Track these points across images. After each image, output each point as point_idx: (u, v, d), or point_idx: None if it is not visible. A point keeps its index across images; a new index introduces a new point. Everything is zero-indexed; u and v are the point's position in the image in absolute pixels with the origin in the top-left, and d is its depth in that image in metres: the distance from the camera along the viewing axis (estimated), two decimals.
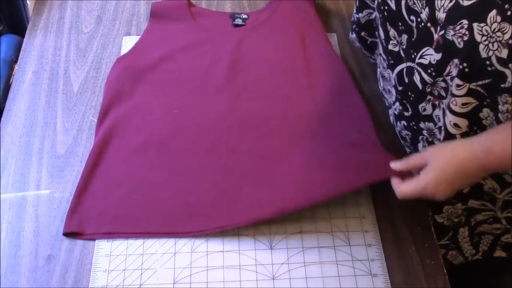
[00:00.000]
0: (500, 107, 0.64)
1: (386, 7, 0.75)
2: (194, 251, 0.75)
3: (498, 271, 0.91)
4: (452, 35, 0.63)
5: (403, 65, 0.76)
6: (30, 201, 0.79)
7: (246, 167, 0.84)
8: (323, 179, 0.81)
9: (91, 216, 0.77)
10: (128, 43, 1.03)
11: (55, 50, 1.02)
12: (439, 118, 0.73)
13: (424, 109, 0.75)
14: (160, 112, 0.91)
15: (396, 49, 0.77)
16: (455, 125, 0.68)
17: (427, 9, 0.67)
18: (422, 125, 0.77)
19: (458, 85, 0.65)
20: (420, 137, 0.80)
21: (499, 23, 0.58)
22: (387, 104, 0.90)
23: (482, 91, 0.64)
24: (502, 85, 0.62)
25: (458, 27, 0.62)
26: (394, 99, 0.83)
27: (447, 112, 0.68)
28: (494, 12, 0.59)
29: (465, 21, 0.61)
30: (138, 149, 0.85)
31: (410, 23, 0.71)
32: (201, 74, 0.98)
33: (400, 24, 0.74)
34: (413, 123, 0.79)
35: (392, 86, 0.82)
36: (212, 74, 0.98)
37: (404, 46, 0.75)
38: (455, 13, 0.63)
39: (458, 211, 0.80)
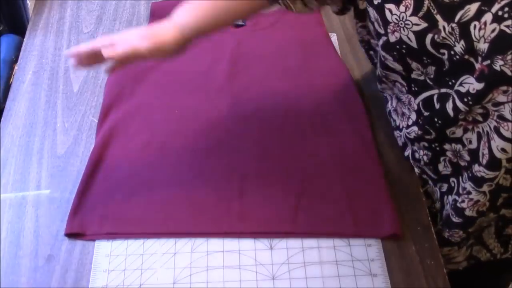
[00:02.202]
0: None
1: (403, 46, 0.71)
2: (194, 251, 0.75)
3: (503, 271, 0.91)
4: (502, 65, 0.60)
5: (433, 91, 0.73)
6: (30, 201, 0.79)
7: (247, 167, 0.84)
8: (323, 179, 0.81)
9: (93, 216, 0.77)
10: None
11: (55, 50, 1.02)
12: (470, 141, 0.71)
13: (453, 133, 0.73)
14: (161, 112, 0.91)
15: (421, 78, 0.74)
16: (503, 149, 0.66)
17: (462, 42, 0.64)
18: (447, 146, 0.75)
19: (498, 121, 0.63)
20: (442, 158, 0.77)
21: None
22: (393, 126, 0.87)
23: None
24: None
25: (509, 57, 0.59)
26: (411, 123, 0.80)
27: (495, 136, 0.66)
28: None
29: None
30: (139, 149, 0.85)
31: (440, 55, 0.68)
32: (202, 74, 0.98)
33: (424, 58, 0.71)
34: (436, 144, 0.77)
35: (413, 110, 0.79)
36: (213, 74, 0.98)
37: (432, 76, 0.72)
38: (502, 42, 0.60)
39: (489, 220, 0.78)
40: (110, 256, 0.74)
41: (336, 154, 0.86)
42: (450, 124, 0.71)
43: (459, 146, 0.73)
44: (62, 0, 1.12)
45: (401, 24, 0.69)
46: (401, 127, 0.82)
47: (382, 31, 0.72)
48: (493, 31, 0.60)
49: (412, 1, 0.66)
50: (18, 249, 0.74)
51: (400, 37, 0.70)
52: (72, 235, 0.76)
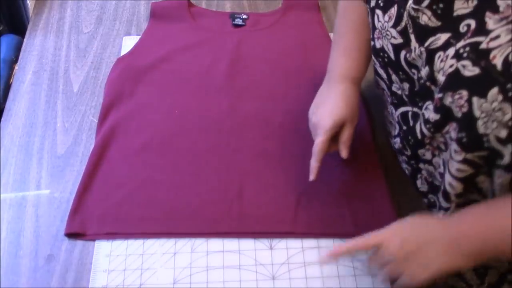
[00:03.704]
0: (495, 178, 0.60)
1: (385, 55, 0.70)
2: (194, 251, 0.75)
3: None
4: (451, 102, 0.59)
5: (408, 108, 0.72)
6: (30, 201, 0.79)
7: (247, 167, 0.84)
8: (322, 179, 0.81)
9: (93, 216, 0.77)
10: (128, 43, 1.03)
11: (55, 50, 1.02)
12: (439, 165, 0.70)
13: (424, 155, 0.72)
14: (161, 112, 0.91)
15: (399, 92, 0.73)
16: (450, 185, 0.65)
17: (427, 68, 0.63)
18: (421, 165, 0.74)
19: (455, 151, 0.61)
20: (419, 175, 0.77)
21: (499, 102, 0.54)
22: (388, 134, 0.86)
23: (479, 161, 0.60)
24: (499, 162, 0.58)
25: (457, 96, 0.57)
26: (396, 133, 0.80)
27: (446, 170, 0.65)
28: (495, 89, 0.54)
29: (465, 92, 0.57)
30: (139, 149, 0.85)
31: (412, 75, 0.67)
32: (202, 74, 0.98)
33: (400, 73, 0.70)
34: (413, 161, 0.76)
35: (395, 122, 0.79)
36: (212, 74, 0.98)
37: (407, 93, 0.71)
38: (455, 81, 0.58)
39: None
40: (110, 256, 0.74)
41: (336, 154, 0.86)
42: (420, 146, 0.70)
43: (431, 168, 0.72)
44: (62, 0, 1.12)
45: (383, 33, 0.69)
46: (392, 135, 0.83)
47: (371, 35, 0.72)
48: (451, 66, 0.59)
49: (395, 13, 0.66)
50: (18, 249, 0.74)
51: (383, 45, 0.69)
52: (72, 235, 0.76)
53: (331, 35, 1.07)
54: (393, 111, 0.77)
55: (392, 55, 0.68)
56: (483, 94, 0.55)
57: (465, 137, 0.59)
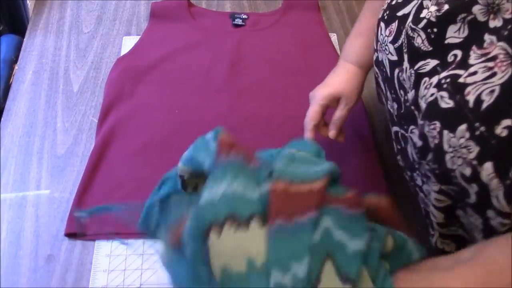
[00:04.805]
0: (468, 217, 0.59)
1: (383, 69, 0.69)
2: None
3: None
4: (427, 131, 0.58)
5: (397, 129, 0.71)
6: (30, 201, 0.79)
7: None
8: None
9: (93, 216, 0.77)
10: (128, 43, 1.03)
11: (55, 50, 1.02)
12: (429, 192, 0.67)
13: (416, 179, 0.70)
14: (161, 112, 0.91)
15: (392, 110, 0.72)
16: (432, 213, 0.64)
17: (413, 91, 0.61)
18: (417, 189, 0.72)
19: (432, 181, 0.61)
20: (418, 196, 0.74)
21: (466, 139, 0.52)
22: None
23: (453, 194, 0.59)
24: (467, 200, 0.56)
25: (432, 127, 0.56)
26: (396, 150, 0.78)
27: (429, 198, 0.64)
28: (464, 126, 0.52)
29: (438, 124, 0.55)
30: (139, 149, 0.85)
31: (400, 96, 0.66)
32: (201, 74, 0.98)
33: (392, 91, 0.68)
34: (412, 183, 0.74)
35: (391, 139, 0.77)
36: (212, 74, 0.98)
37: (396, 113, 0.70)
38: (432, 111, 0.57)
39: None
40: (110, 256, 0.74)
41: (336, 154, 0.85)
42: (412, 169, 0.69)
43: (422, 195, 0.70)
44: (62, 0, 1.12)
45: (383, 47, 0.67)
46: (395, 151, 0.81)
47: (375, 47, 0.71)
48: (432, 95, 0.57)
49: (395, 29, 0.64)
50: (18, 249, 0.74)
51: (382, 59, 0.68)
52: (72, 235, 0.76)
53: (331, 35, 1.07)
54: (390, 127, 0.77)
55: (388, 71, 0.68)
56: (452, 129, 0.53)
57: (437, 169, 0.58)
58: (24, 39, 1.04)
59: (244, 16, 1.09)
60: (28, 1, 1.24)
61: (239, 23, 1.08)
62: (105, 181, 0.81)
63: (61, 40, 1.04)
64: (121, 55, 1.00)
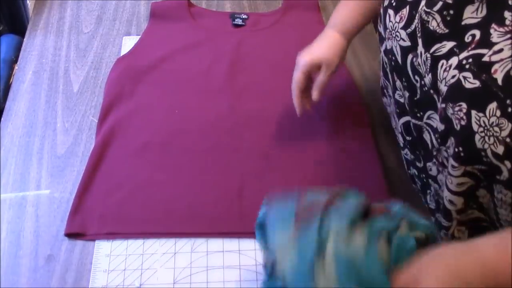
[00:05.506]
0: (495, 193, 0.58)
1: (393, 57, 0.69)
2: (194, 251, 0.75)
3: None
4: (451, 114, 0.57)
5: (409, 119, 0.71)
6: (30, 201, 0.79)
7: (247, 167, 0.84)
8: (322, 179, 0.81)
9: (93, 216, 0.77)
10: (128, 43, 1.03)
11: (55, 50, 1.02)
12: (443, 183, 0.67)
13: (430, 169, 0.70)
14: (161, 112, 0.91)
15: (402, 100, 0.72)
16: (450, 202, 0.63)
17: (430, 75, 0.61)
18: (430, 181, 0.72)
19: (453, 166, 0.59)
20: (428, 191, 0.75)
21: (498, 117, 0.52)
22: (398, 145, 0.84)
23: (478, 174, 0.58)
24: (498, 177, 0.56)
25: (457, 108, 0.56)
26: (402, 145, 0.79)
27: (444, 187, 0.64)
28: (494, 104, 0.52)
29: (464, 105, 0.55)
30: (139, 149, 0.85)
31: (414, 82, 0.66)
32: (202, 74, 0.98)
33: (404, 79, 0.68)
34: (423, 175, 0.74)
35: (398, 133, 0.78)
36: (213, 74, 0.98)
37: (408, 102, 0.70)
38: (456, 92, 0.56)
39: None
40: (110, 256, 0.74)
41: (336, 154, 0.86)
42: (429, 158, 0.68)
43: (437, 186, 0.70)
44: (62, 0, 1.12)
45: (393, 34, 0.68)
46: (401, 145, 0.82)
47: (383, 35, 0.71)
48: (453, 77, 0.57)
49: (406, 15, 0.65)
50: (18, 249, 0.74)
51: (392, 46, 0.69)
52: (72, 235, 0.76)
53: None
54: (397, 120, 0.77)
55: (399, 58, 0.68)
56: (482, 108, 0.53)
57: (463, 151, 0.57)
58: (24, 39, 1.04)
59: (244, 16, 1.09)
60: (28, 1, 1.24)
61: (239, 23, 1.08)
62: (105, 181, 0.81)
63: (61, 40, 1.04)
64: (121, 55, 1.01)
